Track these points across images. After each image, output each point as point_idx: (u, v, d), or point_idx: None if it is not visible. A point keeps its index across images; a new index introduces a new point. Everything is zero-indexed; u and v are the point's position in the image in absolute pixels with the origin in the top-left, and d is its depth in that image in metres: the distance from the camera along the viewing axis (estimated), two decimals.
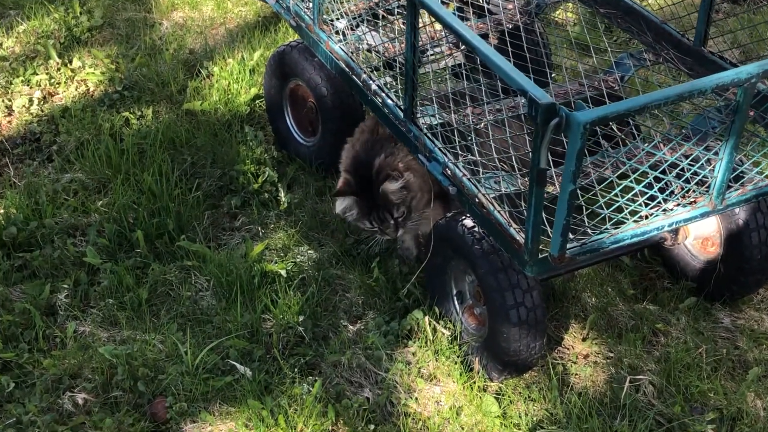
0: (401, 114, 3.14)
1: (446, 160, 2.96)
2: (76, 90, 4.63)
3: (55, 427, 2.99)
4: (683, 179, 2.70)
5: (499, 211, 2.76)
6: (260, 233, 3.79)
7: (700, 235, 3.45)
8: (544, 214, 2.58)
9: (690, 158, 2.74)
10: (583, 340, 3.34)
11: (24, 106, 4.51)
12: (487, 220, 2.83)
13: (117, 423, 3.00)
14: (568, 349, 3.33)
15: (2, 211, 3.79)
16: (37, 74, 4.70)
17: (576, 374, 3.21)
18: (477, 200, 2.84)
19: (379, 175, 3.31)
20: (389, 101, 3.20)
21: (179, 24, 5.14)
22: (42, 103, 4.56)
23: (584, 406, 3.04)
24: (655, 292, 3.53)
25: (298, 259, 3.65)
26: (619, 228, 2.69)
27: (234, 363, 3.19)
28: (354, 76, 3.39)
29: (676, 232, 3.42)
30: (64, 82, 4.66)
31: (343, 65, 3.45)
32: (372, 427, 3.00)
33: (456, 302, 3.29)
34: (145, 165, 3.98)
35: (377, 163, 3.33)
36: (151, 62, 4.74)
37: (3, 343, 3.27)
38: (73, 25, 5.04)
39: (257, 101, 4.48)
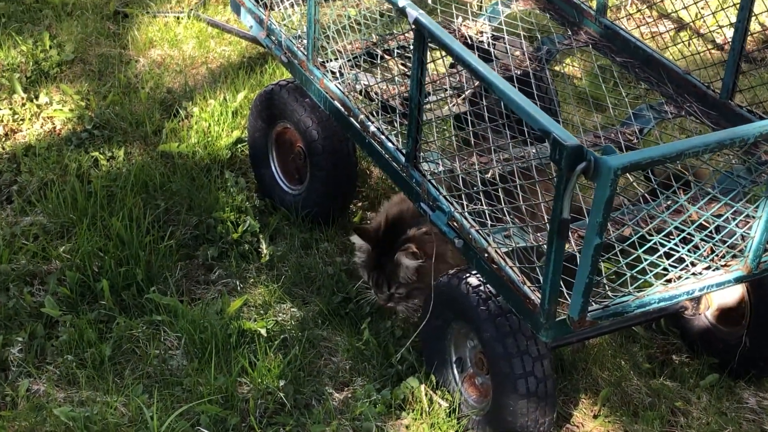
0: (402, 158, 3.00)
1: (452, 209, 2.81)
2: (41, 127, 4.47)
3: None
4: (714, 240, 2.56)
5: (511, 267, 2.61)
6: (238, 287, 3.63)
7: (723, 305, 3.31)
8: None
9: (722, 218, 2.61)
10: (595, 417, 3.18)
11: None
12: (496, 278, 2.67)
13: None
14: (577, 427, 3.16)
15: None
16: (0, 109, 4.54)
17: None
18: (486, 255, 2.69)
19: (404, 243, 3.22)
20: (389, 144, 3.06)
21: (157, 62, 5.01)
22: (3, 140, 4.40)
23: None
24: (673, 367, 3.38)
25: (279, 318, 3.48)
26: (644, 291, 2.53)
27: (204, 431, 2.99)
28: (350, 117, 3.25)
29: (698, 300, 3.27)
30: (29, 119, 4.51)
31: (339, 105, 3.31)
32: None
33: (455, 370, 3.13)
34: (114, 209, 3.80)
35: (411, 232, 3.25)
36: (125, 100, 4.60)
37: None
38: (42, 59, 4.90)
39: (239, 145, 4.33)
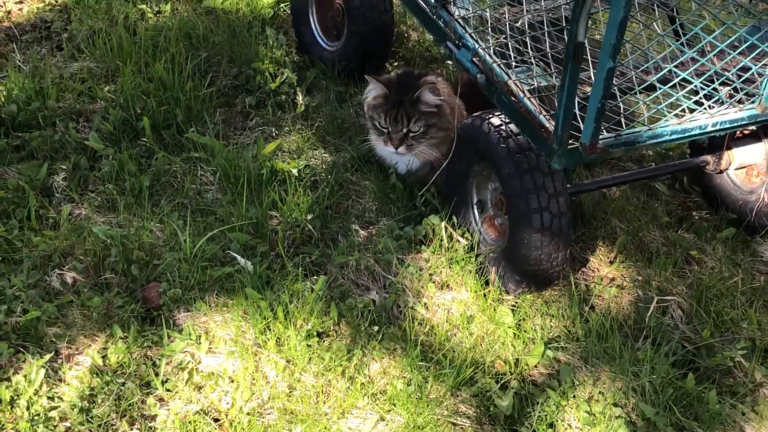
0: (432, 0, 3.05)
1: (476, 46, 2.87)
2: None
3: (41, 302, 2.93)
4: (729, 75, 2.61)
5: (529, 98, 2.67)
6: (274, 134, 3.73)
7: (744, 163, 3.35)
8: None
9: (738, 66, 2.65)
10: (610, 263, 3.25)
11: None
12: (515, 110, 2.74)
13: (105, 303, 2.93)
14: (593, 271, 3.24)
15: (4, 90, 3.73)
16: None
17: (599, 295, 3.12)
18: (506, 88, 2.75)
19: (423, 84, 3.29)
20: None
21: None
22: None
23: (605, 325, 2.95)
24: (692, 222, 3.44)
25: (311, 162, 3.57)
26: (656, 123, 2.59)
27: (235, 255, 3.12)
28: None
29: (719, 156, 3.32)
30: None
31: None
32: (376, 328, 2.93)
33: (476, 211, 3.22)
34: (157, 56, 3.90)
35: (428, 78, 3.35)
36: None
37: None
38: None
39: (281, 4, 4.40)
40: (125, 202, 3.33)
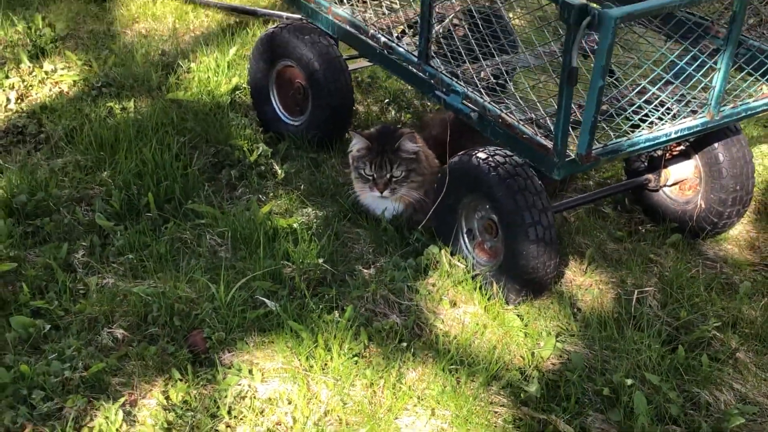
0: (415, 58, 3.50)
1: (466, 90, 3.32)
2: (50, 90, 4.85)
3: (100, 357, 3.17)
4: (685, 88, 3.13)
5: (524, 125, 3.13)
6: (262, 199, 4.07)
7: (679, 178, 3.88)
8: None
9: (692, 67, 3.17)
10: (584, 272, 3.70)
11: (1, 104, 4.71)
12: (510, 137, 3.19)
13: (160, 351, 3.19)
14: (570, 282, 3.68)
15: (5, 184, 3.97)
16: (9, 77, 4.91)
17: (583, 299, 3.56)
18: (500, 120, 3.21)
19: (402, 135, 3.73)
20: (401, 50, 3.56)
21: (143, 34, 5.42)
22: (19, 102, 4.76)
23: (599, 318, 3.39)
24: (640, 234, 3.93)
25: (304, 219, 3.92)
26: (633, 134, 3.08)
27: (263, 299, 3.43)
28: (361, 35, 3.74)
29: (659, 173, 3.85)
30: (38, 84, 4.88)
31: (348, 27, 3.80)
32: (404, 344, 3.27)
33: (466, 239, 3.62)
34: (141, 143, 4.21)
35: (405, 130, 3.80)
36: (125, 62, 5.00)
37: (30, 295, 3.44)
38: (37, 36, 5.27)
39: (237, 92, 4.78)
40: (149, 268, 3.59)
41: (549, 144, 3.04)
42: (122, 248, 3.71)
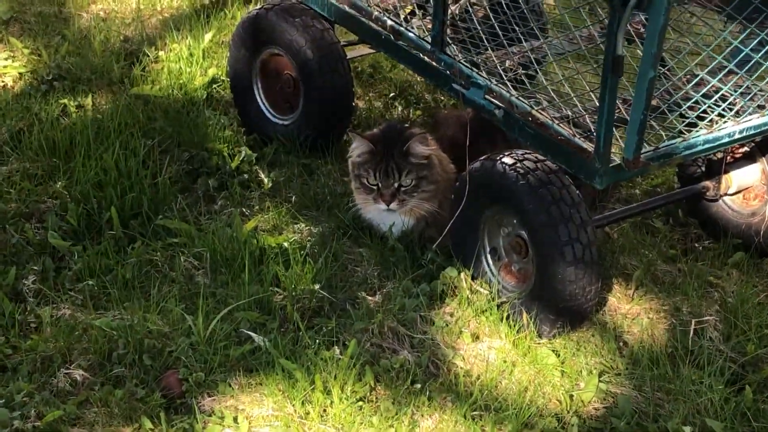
0: (428, 45, 3.51)
1: (488, 83, 3.33)
2: None
3: (56, 403, 3.16)
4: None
5: (559, 124, 3.14)
6: (246, 214, 4.07)
7: (742, 186, 3.89)
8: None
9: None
10: (631, 299, 3.71)
11: None
12: (542, 138, 3.20)
13: (127, 396, 3.19)
14: (614, 310, 3.68)
15: None
16: None
17: (630, 330, 3.57)
18: (531, 118, 3.22)
19: (411, 137, 3.73)
20: (411, 35, 3.57)
21: (101, 17, 5.44)
22: None
23: (649, 354, 3.39)
24: (696, 253, 3.94)
25: (297, 236, 3.93)
26: (690, 134, 3.09)
27: (249, 333, 3.43)
28: (363, 18, 3.75)
29: (718, 181, 3.85)
30: None
31: (347, 8, 3.82)
32: (418, 386, 3.27)
33: (490, 261, 3.62)
34: (101, 149, 4.21)
35: (414, 130, 3.80)
36: (81, 50, 5.01)
37: None
38: None
39: (214, 86, 4.80)
40: (111, 297, 3.59)
41: (589, 147, 3.04)
42: (80, 273, 3.71)
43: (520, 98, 3.27)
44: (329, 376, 3.26)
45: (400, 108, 4.88)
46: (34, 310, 3.57)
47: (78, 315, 3.54)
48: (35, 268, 3.72)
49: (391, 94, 4.97)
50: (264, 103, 4.49)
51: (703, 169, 3.91)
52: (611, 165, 3.04)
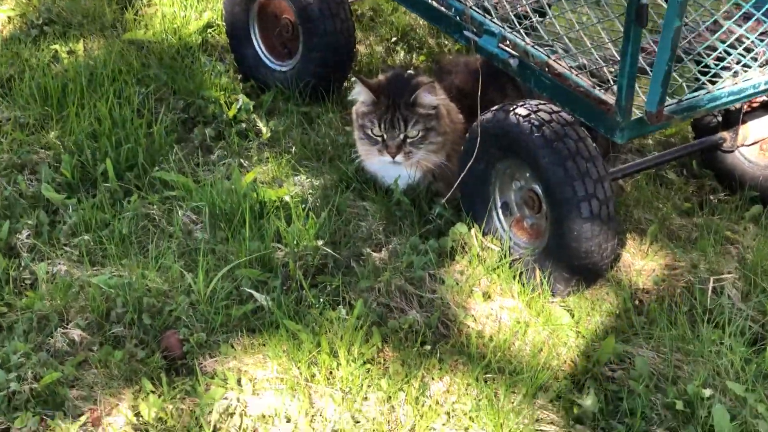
0: None
1: (502, 30, 3.21)
2: None
3: (53, 364, 3.07)
4: None
5: (578, 75, 3.02)
6: (244, 165, 3.96)
7: (759, 137, 3.78)
8: None
9: None
10: (645, 254, 3.61)
11: None
12: (560, 89, 3.08)
13: (127, 357, 3.10)
14: (629, 266, 3.59)
15: None
16: None
17: (645, 287, 3.47)
18: (547, 68, 3.10)
19: (419, 86, 3.61)
20: None
21: None
22: None
23: (664, 315, 3.30)
24: (712, 206, 3.84)
25: (297, 190, 3.82)
26: (714, 86, 2.98)
27: (251, 291, 3.33)
28: None
29: (735, 132, 3.75)
30: None
31: None
32: (428, 347, 3.18)
33: (501, 215, 3.52)
34: (93, 97, 4.09)
35: (421, 79, 3.68)
36: None
37: None
38: None
39: (209, 30, 4.67)
40: (108, 252, 3.49)
41: (610, 99, 2.93)
42: (75, 227, 3.62)
43: (536, 47, 3.14)
44: (335, 338, 3.17)
45: (402, 53, 4.76)
46: (29, 266, 3.45)
47: (74, 272, 3.44)
48: (29, 222, 3.60)
49: (393, 39, 4.84)
50: (261, 49, 4.39)
51: (720, 119, 3.80)
52: (633, 118, 2.92)
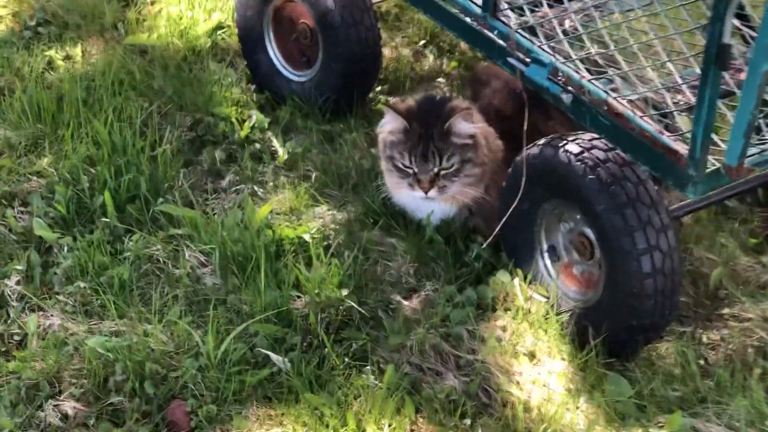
0: (478, 9, 3.03)
1: (554, 60, 2.84)
2: None
3: None
4: None
5: (642, 117, 2.66)
6: (258, 193, 3.63)
7: None
8: None
9: None
10: (709, 302, 3.26)
11: None
12: (622, 132, 2.72)
13: None
14: (689, 313, 3.24)
15: None
16: None
17: (710, 341, 3.13)
18: (606, 108, 2.73)
19: (453, 111, 3.27)
20: None
21: None
22: None
23: (737, 382, 2.95)
24: None
25: (317, 223, 3.48)
26: None
27: (267, 353, 3.01)
28: None
29: None
30: None
31: None
32: (468, 422, 2.85)
33: (547, 260, 3.18)
34: (92, 114, 3.76)
35: (456, 103, 3.35)
36: None
37: None
38: None
39: (219, 32, 4.33)
40: (108, 303, 3.16)
41: (682, 149, 2.56)
42: (70, 271, 3.29)
43: (593, 81, 2.77)
44: (362, 409, 2.83)
45: (431, 57, 4.39)
46: (17, 318, 3.14)
47: (69, 325, 3.13)
48: (18, 267, 3.28)
49: (422, 42, 4.46)
50: (277, 56, 4.07)
51: None
52: (708, 170, 2.56)
